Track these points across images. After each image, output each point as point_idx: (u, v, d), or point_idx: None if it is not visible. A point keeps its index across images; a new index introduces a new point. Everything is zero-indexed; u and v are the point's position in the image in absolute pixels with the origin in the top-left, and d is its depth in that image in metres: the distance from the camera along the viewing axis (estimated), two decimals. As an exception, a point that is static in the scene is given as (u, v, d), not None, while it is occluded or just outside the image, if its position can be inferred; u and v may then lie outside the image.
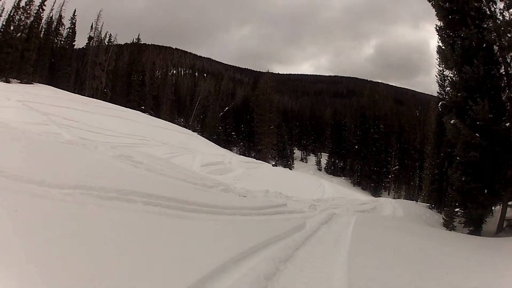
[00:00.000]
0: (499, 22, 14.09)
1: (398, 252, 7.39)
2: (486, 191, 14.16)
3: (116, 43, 60.38)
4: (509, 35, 14.12)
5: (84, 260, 3.02)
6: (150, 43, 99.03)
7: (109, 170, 8.08)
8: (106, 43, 57.40)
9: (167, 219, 5.20)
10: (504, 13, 14.27)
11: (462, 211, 16.04)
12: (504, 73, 14.70)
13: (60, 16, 51.10)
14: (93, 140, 17.00)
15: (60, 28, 51.38)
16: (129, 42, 68.38)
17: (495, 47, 14.55)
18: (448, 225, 16.32)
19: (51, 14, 50.51)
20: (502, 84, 14.66)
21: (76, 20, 52.41)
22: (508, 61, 14.48)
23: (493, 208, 15.50)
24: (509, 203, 14.68)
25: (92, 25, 56.03)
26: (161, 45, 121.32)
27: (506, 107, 14.28)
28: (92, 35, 55.71)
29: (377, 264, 5.92)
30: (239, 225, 6.57)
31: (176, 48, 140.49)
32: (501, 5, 14.40)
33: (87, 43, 55.25)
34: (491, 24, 14.49)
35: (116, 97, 52.82)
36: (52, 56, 49.30)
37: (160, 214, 5.27)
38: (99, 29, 56.59)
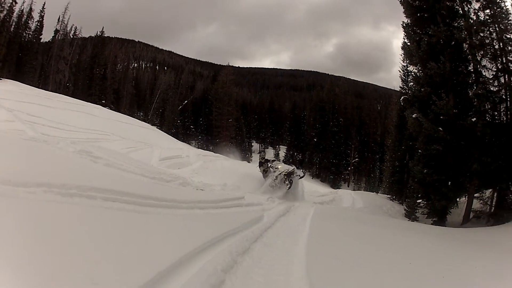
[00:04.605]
0: (472, 21, 14.54)
1: (358, 243, 7.53)
2: (449, 183, 14.60)
3: (80, 36, 58.55)
4: (481, 34, 14.68)
5: (32, 261, 2.92)
6: (113, 36, 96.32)
7: (70, 167, 7.92)
8: (71, 36, 55.65)
9: (125, 215, 5.16)
10: (478, 13, 14.78)
11: (424, 202, 16.48)
12: (472, 70, 15.19)
13: (31, 9, 49.25)
14: (55, 136, 16.60)
15: (29, 22, 49.52)
16: (93, 35, 66.49)
17: (465, 45, 15.04)
18: (410, 215, 16.66)
19: (22, 7, 48.65)
20: (470, 81, 15.18)
21: (44, 13, 50.58)
22: (479, 59, 14.96)
23: (458, 200, 15.95)
24: (475, 195, 15.25)
25: (59, 18, 54.20)
26: (124, 38, 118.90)
27: (473, 103, 14.73)
28: (59, 28, 53.93)
29: (336, 255, 6.02)
30: (196, 219, 6.54)
31: (138, 41, 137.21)
32: (476, 5, 14.91)
33: (53, 37, 53.51)
34: (462, 23, 14.92)
35: (78, 91, 51.20)
36: (20, 50, 47.54)
37: (119, 210, 5.24)
38: (66, 22, 54.76)
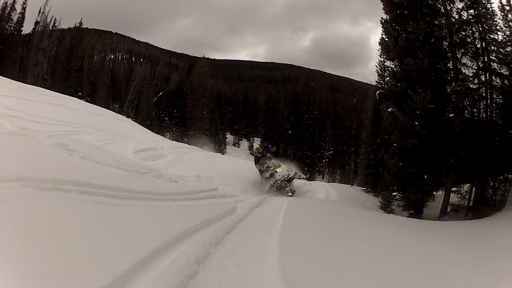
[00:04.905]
0: (454, 20, 14.78)
1: (332, 235, 7.56)
2: (426, 176, 14.88)
3: (60, 27, 57.16)
4: (463, 33, 14.95)
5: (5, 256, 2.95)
6: (91, 28, 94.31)
7: (46, 160, 7.80)
8: (50, 28, 54.28)
9: (100, 208, 5.15)
10: (461, 13, 15.04)
11: (400, 195, 16.70)
12: (451, 67, 15.46)
13: (14, 1, 47.69)
14: (33, 129, 16.29)
15: (12, 14, 47.87)
16: (72, 26, 64.94)
17: (445, 43, 15.32)
18: (386, 208, 16.78)
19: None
20: (449, 78, 15.45)
21: (26, 5, 48.93)
22: (459, 57, 15.24)
23: (434, 193, 16.19)
24: (453, 189, 15.55)
25: (40, 10, 52.76)
26: (102, 29, 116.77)
27: (451, 99, 15.02)
28: (39, 20, 52.52)
29: (310, 246, 6.06)
30: (170, 211, 6.54)
31: (116, 32, 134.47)
32: (459, 5, 15.16)
33: (33, 28, 52.08)
34: (443, 21, 15.17)
35: (55, 84, 49.80)
36: (1, 43, 46.15)
37: (94, 203, 5.23)
38: (46, 14, 53.38)
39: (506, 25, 14.92)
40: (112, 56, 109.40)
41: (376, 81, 24.12)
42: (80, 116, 25.76)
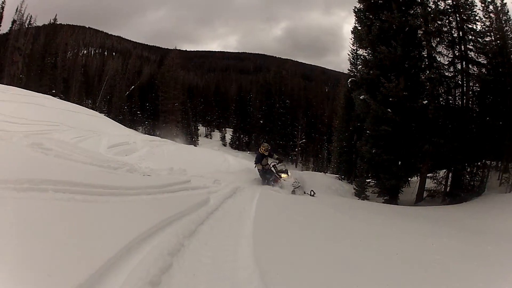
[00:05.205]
0: (430, 9, 15.05)
1: (305, 223, 7.63)
2: (400, 163, 15.19)
3: (35, 24, 55.57)
4: (439, 22, 15.26)
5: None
6: (65, 23, 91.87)
7: (22, 161, 7.74)
8: (26, 26, 52.50)
9: (75, 205, 5.11)
10: (438, 3, 15.34)
11: (374, 182, 16.96)
12: (426, 55, 15.80)
13: None
14: (9, 130, 16.03)
15: None
16: (47, 23, 63.13)
17: (420, 32, 15.55)
18: (360, 194, 16.97)
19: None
20: (423, 66, 15.75)
21: (5, 5, 47.87)
22: (434, 45, 15.58)
23: (410, 179, 16.62)
24: (429, 175, 15.97)
25: (17, 8, 51.12)
26: (75, 24, 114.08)
27: (425, 86, 15.32)
28: (16, 18, 50.84)
29: (283, 235, 6.16)
30: (144, 205, 6.50)
31: (89, 27, 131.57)
32: None
33: (10, 28, 50.40)
34: (419, 11, 15.37)
35: (30, 82, 48.54)
36: None
37: (69, 200, 5.16)
38: (23, 12, 51.64)
39: (486, 16, 15.43)
40: (85, 52, 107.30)
41: (349, 69, 24.21)
42: (54, 114, 25.45)
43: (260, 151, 15.89)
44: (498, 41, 15.43)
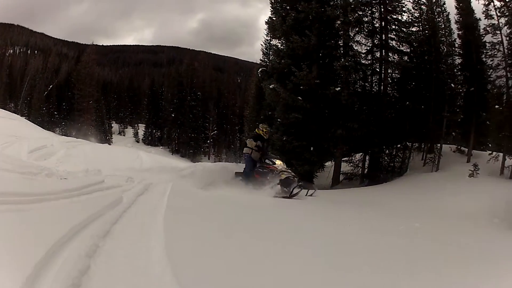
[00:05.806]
0: (350, 0, 15.67)
1: (217, 214, 7.78)
2: (312, 148, 15.63)
3: None
4: (360, 13, 16.05)
5: None
6: None
7: None
8: None
9: None
10: None
11: (287, 168, 17.34)
12: (342, 44, 16.48)
13: None
14: None
15: None
16: None
17: (338, 22, 16.05)
18: (275, 182, 17.16)
19: None
20: (338, 54, 16.29)
21: None
22: (352, 34, 16.35)
23: (325, 164, 17.15)
24: (345, 159, 16.68)
25: None
26: (4, 22, 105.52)
27: (339, 74, 15.84)
28: None
29: (194, 227, 6.26)
30: (62, 209, 6.31)
31: (18, 24, 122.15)
32: None
33: None
34: (339, 2, 15.98)
35: None
36: None
37: None
38: None
39: (416, 8, 16.72)
40: (11, 51, 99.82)
41: (261, 60, 24.72)
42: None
43: (256, 132, 12.85)
44: (427, 31, 16.73)
